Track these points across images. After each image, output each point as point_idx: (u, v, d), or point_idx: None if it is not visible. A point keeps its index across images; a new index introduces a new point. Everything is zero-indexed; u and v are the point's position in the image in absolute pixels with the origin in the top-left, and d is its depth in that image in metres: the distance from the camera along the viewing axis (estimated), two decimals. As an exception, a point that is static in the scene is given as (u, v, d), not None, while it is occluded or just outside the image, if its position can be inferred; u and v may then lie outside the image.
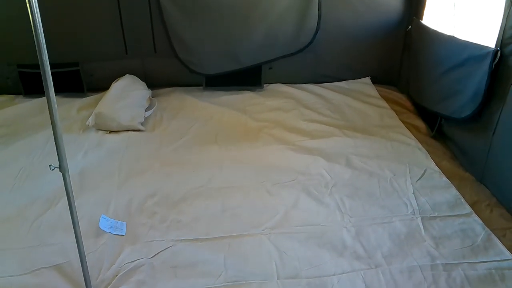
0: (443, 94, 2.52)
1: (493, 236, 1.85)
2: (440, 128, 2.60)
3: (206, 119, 2.82)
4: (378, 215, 1.98)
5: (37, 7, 1.16)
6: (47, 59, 1.21)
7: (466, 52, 2.28)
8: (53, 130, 1.30)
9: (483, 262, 1.72)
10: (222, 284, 1.62)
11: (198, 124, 2.76)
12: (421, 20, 2.91)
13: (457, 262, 1.72)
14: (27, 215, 1.96)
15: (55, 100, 1.27)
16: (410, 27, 3.02)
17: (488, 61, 2.08)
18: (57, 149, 1.34)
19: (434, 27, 2.71)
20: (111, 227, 1.87)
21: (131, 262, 1.71)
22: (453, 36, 2.45)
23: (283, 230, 1.88)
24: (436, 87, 2.61)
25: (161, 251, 1.77)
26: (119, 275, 1.65)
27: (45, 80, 1.22)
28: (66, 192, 1.40)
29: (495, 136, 2.09)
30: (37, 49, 1.20)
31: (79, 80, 3.10)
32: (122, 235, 1.85)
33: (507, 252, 1.76)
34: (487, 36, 2.17)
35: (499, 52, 2.04)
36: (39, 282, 1.63)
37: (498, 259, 1.73)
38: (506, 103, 2.02)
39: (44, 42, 1.20)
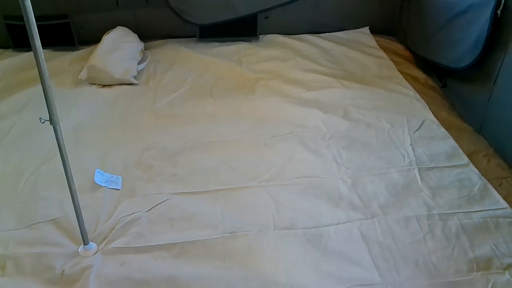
0: (446, 43, 2.45)
1: (489, 185, 1.85)
2: (441, 79, 2.55)
3: (201, 71, 2.76)
4: (375, 166, 1.97)
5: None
6: (31, 8, 1.15)
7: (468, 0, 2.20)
8: (41, 81, 1.26)
9: (479, 211, 1.73)
10: (220, 235, 1.63)
11: (193, 76, 2.70)
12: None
13: (453, 211, 1.73)
14: (22, 170, 1.95)
15: (41, 49, 1.22)
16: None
17: (490, 7, 2.01)
18: (46, 101, 1.31)
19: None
20: (106, 181, 1.87)
21: (128, 215, 1.72)
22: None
23: (280, 182, 1.88)
24: (438, 36, 2.54)
25: (158, 204, 1.77)
26: (116, 228, 1.66)
27: (29, 29, 1.17)
28: (58, 145, 1.37)
29: (496, 85, 2.05)
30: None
31: (70, 32, 3.00)
32: (118, 189, 1.85)
33: (502, 201, 1.77)
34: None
35: (502, -2, 1.97)
36: (37, 236, 1.63)
37: (494, 207, 1.74)
38: (509, 51, 1.96)
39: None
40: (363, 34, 3.21)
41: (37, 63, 1.22)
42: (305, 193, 1.83)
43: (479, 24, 2.09)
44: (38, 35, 1.19)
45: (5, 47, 3.00)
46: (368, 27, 3.26)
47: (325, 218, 1.71)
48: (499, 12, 1.99)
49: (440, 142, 2.12)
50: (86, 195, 1.79)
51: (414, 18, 2.91)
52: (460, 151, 2.06)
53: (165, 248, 1.59)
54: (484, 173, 1.92)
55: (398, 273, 1.50)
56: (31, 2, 1.15)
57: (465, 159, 2.01)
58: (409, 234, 1.64)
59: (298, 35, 3.18)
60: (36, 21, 1.19)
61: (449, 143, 2.11)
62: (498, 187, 1.85)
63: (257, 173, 1.93)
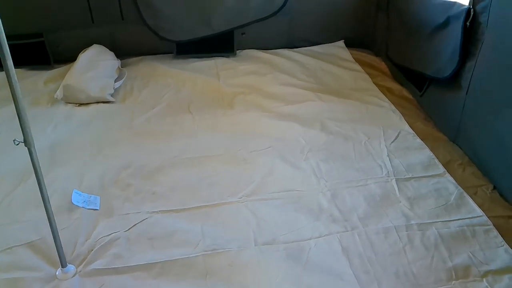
0: (429, 54, 2.50)
1: (465, 194, 1.88)
2: (413, 89, 2.60)
3: (178, 86, 2.76)
4: (353, 178, 1.99)
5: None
6: (1, 25, 1.13)
7: (447, 11, 2.26)
8: (14, 102, 1.25)
9: (456, 220, 1.75)
10: (200, 253, 1.62)
11: (170, 92, 2.70)
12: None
13: (431, 221, 1.75)
14: (-4, 192, 1.91)
15: (13, 69, 1.20)
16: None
17: (461, 19, 2.07)
18: (20, 123, 1.29)
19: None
20: (84, 201, 1.84)
21: (106, 235, 1.69)
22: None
23: (260, 197, 1.88)
24: (423, 47, 2.58)
25: (137, 223, 1.75)
26: (94, 249, 1.63)
27: (0, 48, 1.15)
28: (34, 167, 1.35)
29: (468, 95, 2.10)
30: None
31: (45, 51, 2.97)
32: (96, 209, 1.82)
33: (477, 209, 1.80)
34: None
35: (471, 9, 2.03)
36: (12, 260, 1.59)
37: (470, 216, 1.77)
38: (478, 61, 2.02)
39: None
40: (338, 48, 3.26)
41: (9, 85, 1.20)
42: (285, 207, 1.83)
43: (454, 35, 2.14)
44: (10, 56, 1.18)
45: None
46: (343, 40, 3.32)
47: (305, 232, 1.71)
48: (468, 23, 2.04)
49: (416, 153, 2.16)
50: (64, 216, 1.76)
51: (395, 30, 2.96)
52: (436, 161, 2.10)
53: (145, 268, 1.56)
54: (460, 182, 1.96)
55: (379, 284, 1.51)
56: (3, 21, 1.14)
57: (441, 168, 2.04)
58: (388, 245, 1.65)
59: (275, 50, 3.21)
60: (10, 40, 1.17)
61: (425, 153, 2.15)
62: (473, 196, 1.88)
63: (237, 189, 1.92)
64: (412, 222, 1.75)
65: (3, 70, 2.72)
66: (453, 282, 1.51)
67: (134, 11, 2.89)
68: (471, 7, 2.04)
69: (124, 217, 1.78)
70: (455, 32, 2.14)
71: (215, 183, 1.96)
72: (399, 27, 2.88)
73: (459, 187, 1.92)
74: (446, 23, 2.28)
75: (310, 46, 3.27)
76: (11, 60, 1.19)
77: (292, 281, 1.52)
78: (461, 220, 1.75)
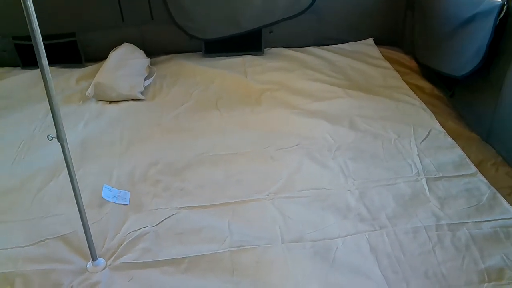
0: (451, 52, 2.46)
1: (498, 195, 1.83)
2: (447, 88, 2.55)
3: (207, 84, 2.78)
4: (382, 177, 1.96)
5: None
6: (37, 26, 1.17)
7: (475, 8, 2.20)
8: (48, 99, 1.28)
9: (488, 221, 1.71)
10: (227, 249, 1.63)
11: (199, 89, 2.72)
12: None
13: (462, 221, 1.71)
14: (30, 186, 1.96)
15: (48, 69, 1.23)
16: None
17: (494, 15, 2.01)
18: (54, 118, 1.32)
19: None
20: (114, 196, 1.87)
21: (135, 230, 1.72)
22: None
23: (287, 195, 1.88)
24: (444, 46, 2.54)
25: (166, 218, 1.77)
26: (124, 243, 1.66)
27: (36, 48, 1.19)
28: (66, 163, 1.39)
29: (502, 93, 2.05)
30: (26, 19, 1.16)
31: (77, 50, 3.04)
32: (126, 204, 1.85)
33: (512, 210, 1.75)
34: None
35: (505, 5, 1.97)
36: (45, 253, 1.64)
37: (504, 217, 1.72)
38: (512, 60, 1.96)
39: (34, 12, 1.15)
40: (368, 45, 3.22)
41: (44, 83, 1.24)
42: (313, 205, 1.82)
43: (482, 33, 2.09)
44: (45, 55, 1.21)
45: (15, 65, 3.05)
46: (372, 38, 3.27)
47: (333, 230, 1.70)
48: (498, 20, 1.99)
49: (448, 152, 2.11)
50: (94, 211, 1.80)
51: (419, 28, 2.91)
52: (468, 160, 2.05)
53: (173, 263, 1.58)
54: (492, 182, 1.91)
55: (407, 285, 1.48)
56: (38, 22, 1.17)
57: (473, 168, 2.00)
58: (418, 245, 1.62)
59: (303, 48, 3.19)
60: (44, 40, 1.21)
61: (457, 152, 2.10)
62: (507, 196, 1.83)
63: (264, 186, 1.93)
64: (442, 222, 1.72)
65: (36, 68, 2.81)
66: (486, 284, 1.47)
67: (164, 10, 2.91)
68: (505, 2, 1.97)
69: (153, 213, 1.81)
70: (484, 29, 2.08)
71: (242, 180, 1.97)
72: (424, 26, 2.83)
73: (492, 188, 1.87)
74: (472, 20, 2.22)
75: (338, 44, 3.24)
76: (46, 60, 1.22)
77: (319, 280, 1.51)
78: (494, 221, 1.70)
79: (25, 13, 1.15)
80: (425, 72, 2.85)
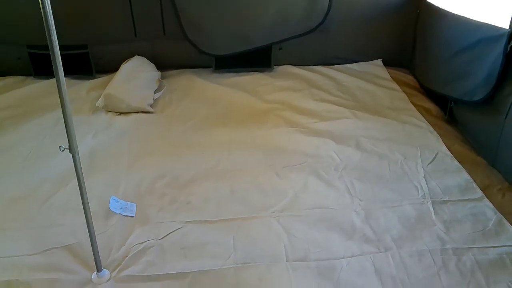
0: (453, 76, 2.48)
1: (505, 220, 1.83)
2: (451, 112, 2.56)
3: (215, 100, 2.80)
4: (388, 198, 1.96)
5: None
6: (57, 41, 1.20)
7: (478, 33, 2.23)
8: (62, 111, 1.30)
9: (494, 247, 1.70)
10: (231, 266, 1.63)
11: (207, 105, 2.74)
12: (430, 0, 2.85)
13: (467, 246, 1.71)
14: (37, 195, 1.98)
15: (64, 82, 1.26)
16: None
17: (503, 42, 2.03)
18: (66, 130, 1.34)
19: (444, 7, 2.65)
20: (121, 208, 1.88)
21: (140, 243, 1.72)
22: (465, 17, 2.39)
23: (292, 213, 1.88)
24: (446, 69, 2.57)
25: (171, 232, 1.78)
26: (129, 256, 1.66)
27: (54, 63, 1.21)
28: (76, 174, 1.40)
29: (507, 119, 2.05)
30: (46, 31, 1.19)
31: (88, 62, 3.09)
32: (132, 216, 1.86)
33: (519, 237, 1.74)
34: (500, 17, 2.11)
35: (514, 33, 1.99)
36: (50, 262, 1.64)
37: (510, 244, 1.71)
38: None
39: (53, 24, 1.18)
40: (376, 66, 3.25)
41: (60, 95, 1.26)
42: (318, 224, 1.82)
43: (491, 59, 2.11)
44: (62, 68, 1.23)
45: (27, 74, 3.09)
46: (381, 59, 3.30)
47: (338, 251, 1.69)
48: (508, 47, 2.01)
49: (454, 175, 2.11)
50: (100, 222, 1.81)
51: (421, 50, 2.95)
52: (474, 184, 2.04)
53: (177, 277, 1.58)
54: (499, 207, 1.90)
55: (412, 308, 1.48)
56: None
57: (479, 192, 1.99)
58: (422, 269, 1.62)
59: (311, 67, 3.23)
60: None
61: (463, 176, 2.10)
62: (514, 223, 1.83)
63: (270, 203, 1.93)
64: (448, 246, 1.71)
65: (47, 77, 2.84)
66: (490, 311, 1.46)
67: (176, 26, 2.96)
68: (513, 30, 2.00)
69: (158, 226, 1.81)
70: (492, 56, 2.10)
71: (248, 197, 1.98)
72: (424, 47, 2.86)
73: (498, 213, 1.87)
74: (476, 46, 2.24)
75: (347, 63, 3.27)
76: (63, 73, 1.24)
77: (323, 300, 1.51)
78: (500, 248, 1.69)
79: (45, 27, 1.18)
80: (432, 94, 2.87)
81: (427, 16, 2.86)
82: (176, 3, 2.89)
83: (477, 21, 2.27)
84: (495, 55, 2.08)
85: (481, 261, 1.64)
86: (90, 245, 1.55)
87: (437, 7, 2.72)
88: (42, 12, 1.17)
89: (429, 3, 2.86)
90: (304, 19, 3.04)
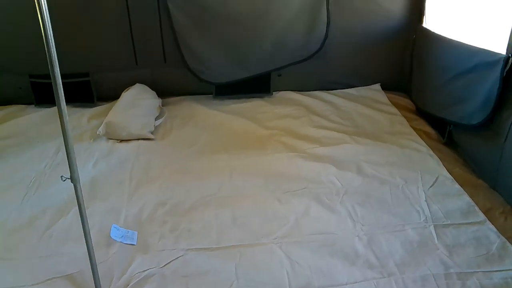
0: (451, 100, 2.51)
1: (508, 244, 1.82)
2: (451, 135, 2.58)
3: (216, 127, 2.82)
4: (390, 223, 1.96)
5: (49, 19, 1.18)
6: (59, 73, 1.22)
7: (475, 58, 2.27)
8: (64, 141, 1.31)
9: (499, 271, 1.69)
10: (234, 294, 1.61)
11: (208, 132, 2.76)
12: (426, 26, 2.90)
13: (471, 271, 1.69)
14: (38, 224, 1.97)
15: (66, 112, 1.27)
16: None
17: (499, 67, 2.06)
18: (68, 160, 1.35)
19: (441, 33, 2.70)
20: (122, 236, 1.87)
21: (142, 271, 1.71)
22: (461, 42, 2.44)
23: (294, 239, 1.87)
24: (443, 93, 2.60)
25: (172, 260, 1.77)
26: (130, 284, 1.65)
27: (56, 94, 1.23)
28: (78, 203, 1.41)
29: (507, 143, 2.07)
30: (48, 62, 1.21)
31: (89, 90, 3.12)
32: (133, 245, 1.85)
33: (523, 261, 1.73)
34: (497, 41, 2.15)
35: (510, 58, 2.02)
36: (51, 292, 1.63)
37: (514, 268, 1.70)
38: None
39: (56, 55, 1.21)
40: (374, 91, 3.28)
41: (61, 127, 1.27)
42: (320, 250, 1.81)
43: (488, 83, 2.14)
44: (64, 99, 1.25)
45: (28, 103, 3.12)
46: (379, 84, 3.33)
47: (341, 277, 1.68)
48: (505, 71, 2.04)
49: (455, 199, 2.11)
50: (101, 250, 1.80)
51: (418, 75, 2.99)
52: (476, 208, 2.04)
53: (179, 306, 1.57)
54: (502, 231, 1.89)
55: (417, 335, 1.45)
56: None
57: (481, 216, 1.99)
58: (427, 294, 1.60)
59: (310, 92, 3.27)
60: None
61: (464, 199, 2.10)
62: (517, 246, 1.82)
63: (271, 229, 1.92)
64: (451, 270, 1.70)
65: (49, 106, 2.86)
66: (497, 337, 1.44)
67: (176, 55, 3.01)
68: (510, 55, 2.03)
69: (159, 254, 1.80)
70: (489, 80, 2.13)
71: (249, 223, 1.97)
72: (420, 71, 2.90)
73: (502, 237, 1.86)
74: (473, 71, 2.27)
75: (345, 88, 3.30)
76: (65, 103, 1.26)
77: (327, 328, 1.49)
78: (504, 272, 1.68)
79: (48, 57, 1.21)
80: (430, 118, 2.89)
81: (423, 41, 2.91)
82: (176, 32, 2.94)
83: (474, 46, 2.31)
84: (492, 80, 2.10)
85: (486, 285, 1.62)
86: (91, 274, 1.54)
87: (433, 32, 2.77)
88: (44, 42, 1.19)
89: (424, 28, 2.92)
90: (303, 46, 3.09)
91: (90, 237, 1.48)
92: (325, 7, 2.98)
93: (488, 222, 1.95)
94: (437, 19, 2.85)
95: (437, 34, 2.72)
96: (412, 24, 3.11)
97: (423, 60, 2.90)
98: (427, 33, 2.85)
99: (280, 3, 2.97)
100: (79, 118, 2.96)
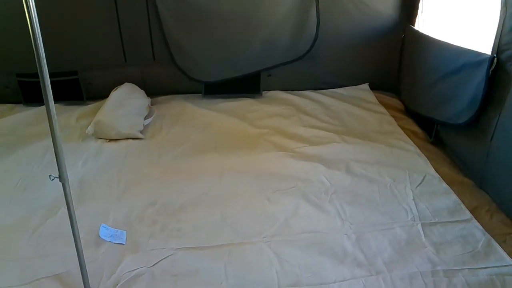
0: (438, 100, 2.54)
1: (493, 241, 1.85)
2: (438, 134, 2.61)
3: (205, 126, 2.82)
4: (378, 222, 1.98)
5: (36, 17, 1.17)
6: (47, 72, 1.21)
7: (462, 59, 2.29)
8: (53, 141, 1.31)
9: (484, 268, 1.72)
10: (223, 293, 1.62)
11: (198, 131, 2.76)
12: (415, 26, 2.93)
13: (458, 268, 1.72)
14: (27, 225, 1.96)
15: (55, 112, 1.27)
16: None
17: (485, 67, 2.09)
18: (57, 159, 1.34)
19: (429, 33, 2.73)
20: (111, 236, 1.87)
21: (131, 271, 1.71)
22: (448, 43, 2.47)
23: (284, 238, 1.88)
24: (431, 93, 2.63)
25: (162, 259, 1.77)
26: (119, 284, 1.65)
27: (44, 93, 1.23)
28: (66, 203, 1.40)
29: (493, 141, 2.10)
30: (36, 61, 1.20)
31: (78, 88, 3.10)
32: (122, 244, 1.85)
33: (507, 258, 1.76)
34: (482, 42, 2.18)
35: (495, 58, 2.05)
36: (39, 292, 1.62)
37: (499, 264, 1.73)
38: (504, 109, 2.02)
39: (44, 54, 1.20)
40: (363, 91, 3.30)
41: (50, 127, 1.27)
42: (309, 249, 1.83)
43: (474, 83, 2.17)
44: (52, 98, 1.24)
45: (16, 102, 3.09)
46: (367, 83, 3.36)
47: (329, 275, 1.70)
48: (490, 71, 2.06)
49: (442, 197, 2.14)
50: (90, 250, 1.79)
51: (406, 74, 3.01)
52: (463, 206, 2.07)
53: (168, 306, 1.57)
54: (487, 228, 1.92)
55: (404, 332, 1.47)
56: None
57: (467, 214, 2.02)
58: (414, 292, 1.62)
59: (300, 91, 3.27)
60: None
61: (451, 198, 2.13)
62: (502, 244, 1.84)
63: (261, 229, 1.93)
64: (438, 268, 1.72)
65: (37, 105, 2.83)
66: (482, 333, 1.47)
67: (165, 52, 3.00)
68: (495, 56, 2.06)
69: (149, 253, 1.80)
70: (476, 80, 2.16)
71: (239, 222, 1.98)
72: (409, 71, 2.93)
73: (487, 234, 1.89)
74: (460, 71, 2.30)
75: (334, 88, 3.32)
76: (53, 102, 1.25)
77: (315, 325, 1.50)
78: (489, 269, 1.71)
79: (35, 55, 1.20)
80: (418, 118, 2.92)
81: (412, 41, 2.94)
82: (164, 30, 2.93)
83: (460, 47, 2.34)
84: (478, 80, 2.13)
85: (471, 282, 1.65)
86: (80, 274, 1.54)
87: (421, 33, 2.80)
88: (32, 40, 1.18)
89: (412, 28, 2.94)
90: (292, 46, 3.10)
91: (79, 237, 1.48)
92: (314, 7, 2.99)
93: (474, 220, 1.98)
94: (426, 20, 2.88)
95: (425, 35, 2.75)
96: (400, 24, 3.14)
97: (411, 60, 2.93)
98: (416, 33, 2.88)
99: (270, 3, 2.98)
100: (68, 117, 2.94)
